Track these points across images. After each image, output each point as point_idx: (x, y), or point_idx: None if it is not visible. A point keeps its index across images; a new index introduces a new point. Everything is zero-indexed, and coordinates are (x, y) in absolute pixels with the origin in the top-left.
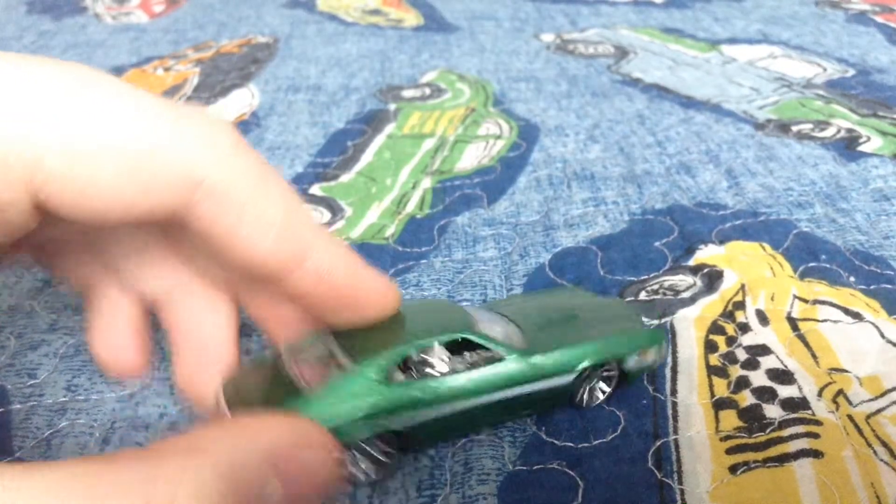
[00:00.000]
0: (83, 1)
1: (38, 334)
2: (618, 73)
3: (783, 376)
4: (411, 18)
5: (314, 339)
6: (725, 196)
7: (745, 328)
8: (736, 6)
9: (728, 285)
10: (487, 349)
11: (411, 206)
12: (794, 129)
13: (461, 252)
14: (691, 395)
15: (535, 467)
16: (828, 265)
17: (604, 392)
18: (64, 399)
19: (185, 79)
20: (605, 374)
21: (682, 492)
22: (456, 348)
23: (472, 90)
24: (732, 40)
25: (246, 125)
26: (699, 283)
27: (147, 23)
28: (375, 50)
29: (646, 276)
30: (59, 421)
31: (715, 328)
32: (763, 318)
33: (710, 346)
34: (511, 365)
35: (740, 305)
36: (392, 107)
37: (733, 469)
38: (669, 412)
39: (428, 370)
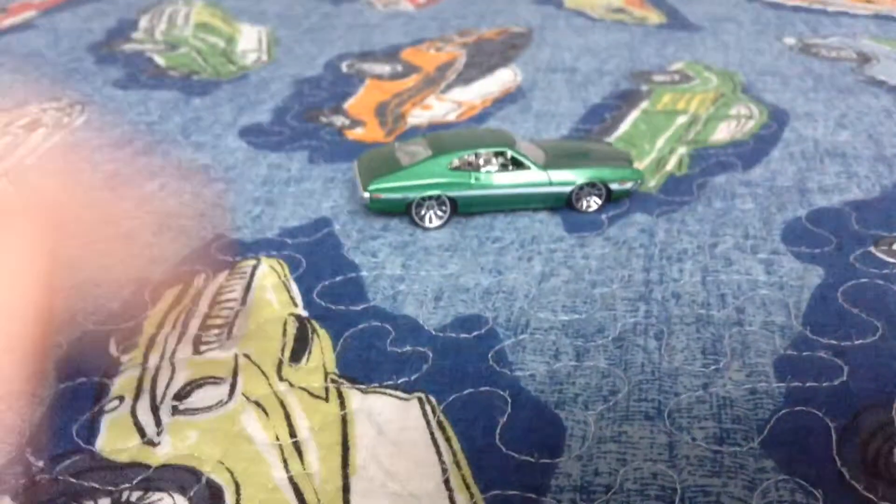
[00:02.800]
0: None
1: (374, 231)
2: (862, 75)
3: None
4: (654, 17)
5: (417, 138)
6: None
7: None
8: None
9: None
10: (520, 161)
11: (670, 166)
12: None
13: (720, 203)
14: None
15: (804, 353)
16: None
17: (596, 203)
18: (400, 272)
19: (454, 58)
20: (595, 191)
21: None
22: (501, 158)
23: (720, 79)
24: None
25: (513, 96)
26: None
27: (413, 11)
28: (623, 42)
29: None
30: (399, 285)
31: None
32: None
33: None
34: (533, 173)
35: None
36: (644, 87)
37: None
38: None
39: (480, 165)
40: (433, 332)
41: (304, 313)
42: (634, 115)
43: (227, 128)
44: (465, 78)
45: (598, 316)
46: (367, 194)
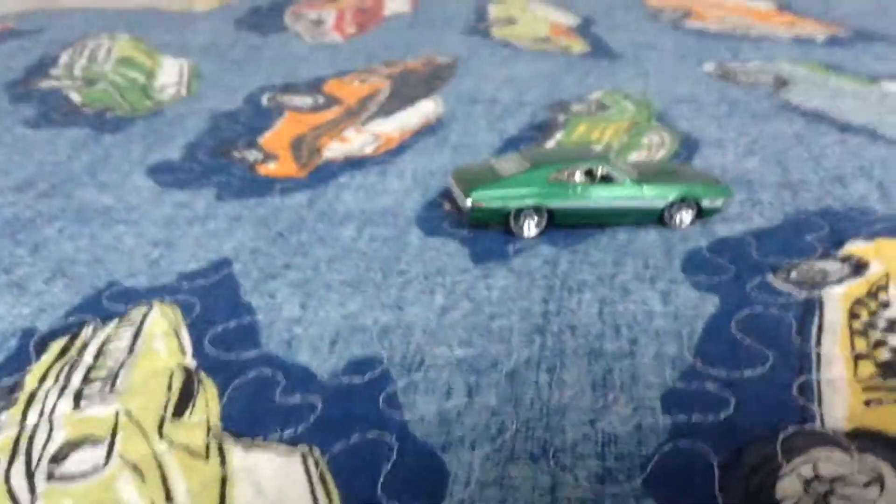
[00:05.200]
0: (283, 22)
1: (275, 269)
2: (777, 99)
3: None
4: (578, 46)
5: (512, 153)
6: (876, 203)
7: (886, 305)
8: None
9: (873, 272)
10: (613, 176)
11: None
12: None
13: (624, 234)
14: (834, 347)
15: (693, 386)
16: None
17: (685, 220)
18: (298, 313)
19: (377, 89)
20: (687, 208)
21: (822, 413)
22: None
23: (636, 108)
24: (892, 77)
25: (433, 128)
26: (846, 269)
27: (341, 42)
28: (545, 72)
29: (797, 262)
30: (295, 328)
31: (859, 303)
32: None
33: (854, 315)
34: (627, 188)
35: (883, 288)
36: (561, 118)
37: (867, 403)
38: (814, 358)
39: (574, 179)
40: (325, 379)
41: (193, 363)
42: (549, 145)
43: (136, 166)
44: (386, 109)
45: (493, 350)
46: (468, 203)
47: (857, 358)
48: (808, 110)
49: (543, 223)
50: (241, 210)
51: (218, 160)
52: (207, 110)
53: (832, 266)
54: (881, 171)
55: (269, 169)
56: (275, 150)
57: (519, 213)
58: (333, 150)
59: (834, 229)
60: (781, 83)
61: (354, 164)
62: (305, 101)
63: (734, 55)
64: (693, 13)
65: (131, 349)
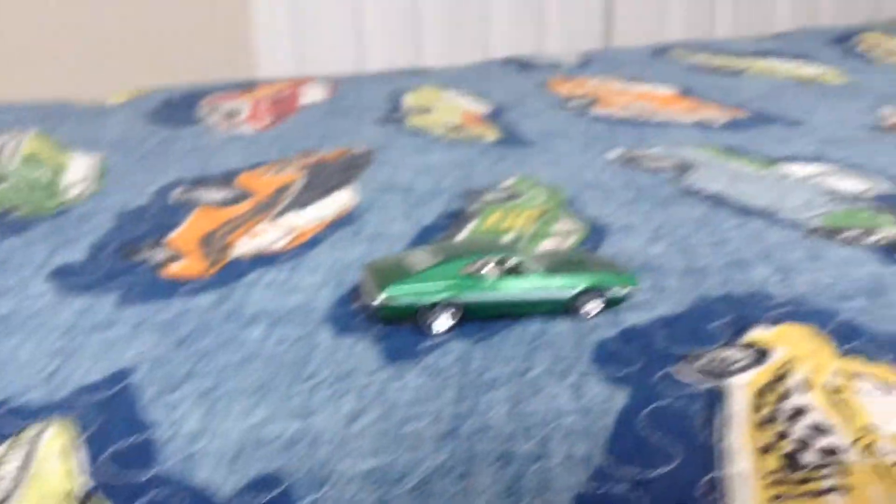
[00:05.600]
0: (197, 114)
1: (178, 378)
2: (680, 184)
3: (821, 430)
4: (491, 134)
5: (423, 247)
6: (776, 288)
7: (789, 393)
8: (796, 129)
9: (775, 359)
10: (522, 267)
11: None
12: (842, 235)
13: (536, 325)
14: (738, 440)
15: (603, 487)
16: (867, 346)
17: (592, 310)
18: (200, 427)
19: (293, 180)
20: (594, 297)
21: None
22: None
23: (546, 195)
24: (789, 159)
25: (349, 218)
26: (750, 357)
27: (255, 134)
28: (459, 160)
29: (702, 351)
30: (197, 443)
31: (762, 392)
32: (806, 386)
33: (757, 407)
34: (536, 278)
35: (786, 376)
36: (474, 206)
37: (774, 497)
38: (719, 452)
39: (485, 272)
40: (225, 500)
41: (89, 484)
42: (463, 235)
43: (38, 269)
44: (300, 201)
45: (402, 459)
46: (378, 301)
47: (762, 451)
48: (710, 194)
49: (457, 317)
50: (145, 314)
51: (122, 261)
52: (115, 207)
53: (735, 354)
54: (781, 254)
55: (176, 269)
56: (182, 249)
57: (430, 308)
58: (243, 245)
59: (737, 316)
60: (684, 168)
61: (265, 260)
62: (218, 194)
63: (639, 141)
64: (599, 100)
65: (24, 471)
